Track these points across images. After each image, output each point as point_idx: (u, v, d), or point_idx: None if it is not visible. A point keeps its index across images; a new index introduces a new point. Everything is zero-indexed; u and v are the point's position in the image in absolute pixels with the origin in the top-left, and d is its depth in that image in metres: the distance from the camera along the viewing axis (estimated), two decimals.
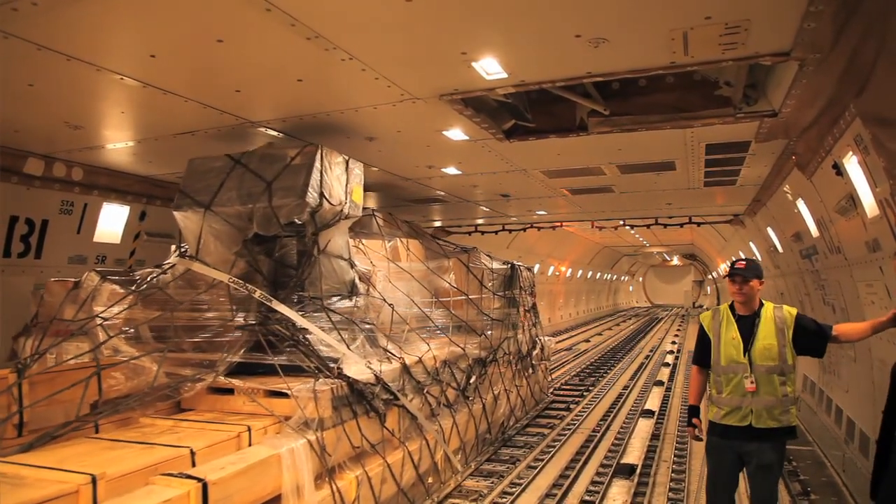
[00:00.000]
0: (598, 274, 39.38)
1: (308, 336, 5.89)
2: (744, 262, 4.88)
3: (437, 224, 15.97)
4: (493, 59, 4.69)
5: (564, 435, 10.11)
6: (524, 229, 16.82)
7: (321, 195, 6.07)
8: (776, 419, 4.66)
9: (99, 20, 3.99)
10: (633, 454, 9.09)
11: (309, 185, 5.95)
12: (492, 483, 7.70)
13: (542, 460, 8.67)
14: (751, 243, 14.76)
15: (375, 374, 6.02)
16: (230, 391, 5.53)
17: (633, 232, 22.27)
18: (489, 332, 9.58)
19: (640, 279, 57.64)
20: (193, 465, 4.36)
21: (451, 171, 8.97)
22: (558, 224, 16.58)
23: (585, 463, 8.66)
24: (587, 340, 25.87)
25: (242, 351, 5.73)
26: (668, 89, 6.13)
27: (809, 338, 4.73)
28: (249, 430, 4.96)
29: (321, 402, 5.24)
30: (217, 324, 5.87)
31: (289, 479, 4.75)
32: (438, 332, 8.62)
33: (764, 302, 4.87)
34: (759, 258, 14.16)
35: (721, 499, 4.93)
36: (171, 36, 4.26)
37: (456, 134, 6.80)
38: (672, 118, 6.22)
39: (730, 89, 5.83)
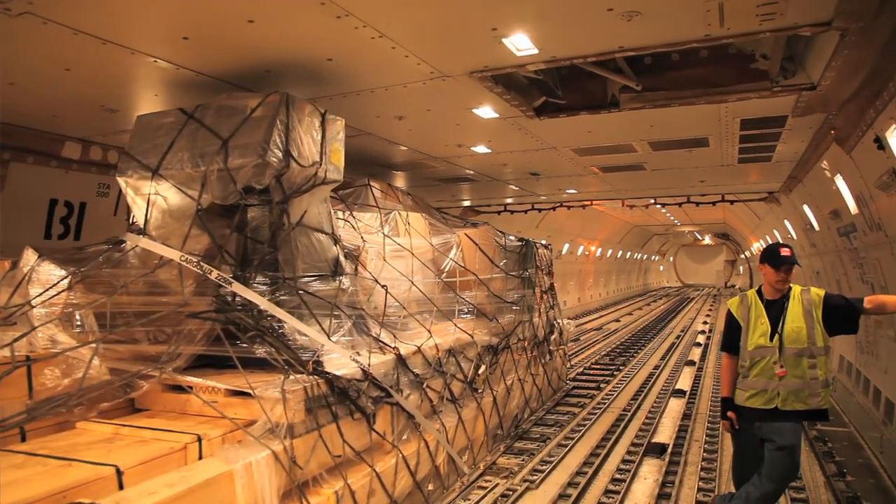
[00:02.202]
0: (629, 253, 39.04)
1: (277, 324, 5.05)
2: (789, 250, 4.82)
3: (466, 203, 15.96)
4: (523, 34, 4.64)
5: (595, 414, 10.10)
6: (554, 208, 16.74)
7: (287, 154, 5.07)
8: (803, 402, 4.62)
9: (133, 3, 4.02)
10: (665, 433, 9.06)
11: (270, 141, 4.98)
12: (522, 461, 7.74)
13: (573, 439, 8.69)
14: (786, 221, 14.49)
15: (362, 368, 5.22)
16: (190, 389, 4.74)
17: (664, 211, 22.02)
18: (502, 317, 8.69)
19: (671, 259, 57.00)
20: (121, 487, 3.59)
21: (481, 149, 8.94)
22: (588, 203, 16.45)
23: (616, 442, 8.66)
24: (617, 320, 25.73)
25: (204, 342, 4.87)
26: (703, 63, 6.02)
27: (840, 315, 4.67)
28: (200, 439, 4.15)
29: (291, 404, 4.40)
30: (176, 310, 5.00)
31: (244, 502, 3.94)
32: (444, 317, 7.57)
33: (791, 286, 4.82)
34: (795, 237, 13.91)
35: (748, 478, 4.91)
36: (204, 17, 4.29)
37: (486, 112, 6.76)
38: (706, 93, 6.12)
39: (766, 62, 5.70)
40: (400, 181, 11.78)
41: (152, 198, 5.34)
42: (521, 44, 4.80)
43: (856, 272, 9.08)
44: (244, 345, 4.82)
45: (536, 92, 6.60)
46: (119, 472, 3.62)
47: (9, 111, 6.17)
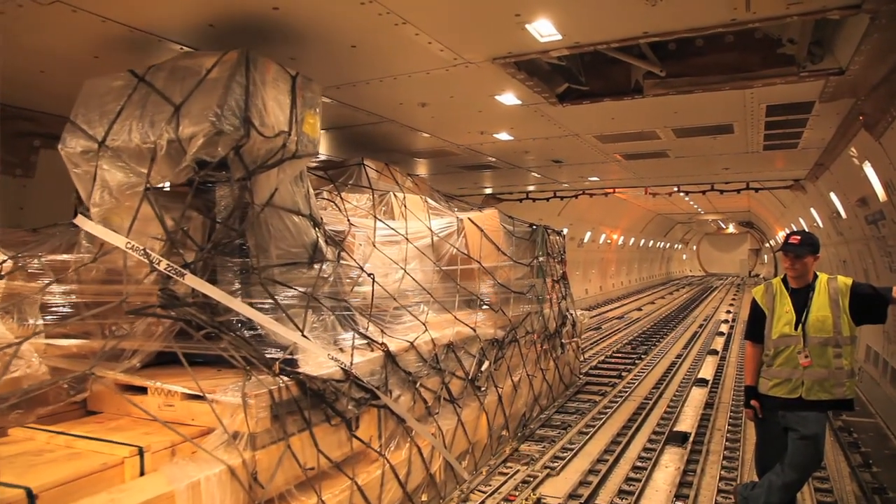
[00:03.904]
0: (651, 242, 38.75)
1: (239, 319, 4.40)
2: (798, 237, 4.73)
3: (488, 191, 15.95)
4: (546, 20, 4.62)
5: (616, 402, 10.09)
6: (576, 196, 16.67)
7: (246, 121, 4.24)
8: (828, 391, 4.59)
9: None
10: (686, 422, 9.03)
11: (224, 106, 4.16)
12: (543, 448, 7.78)
13: (594, 426, 8.70)
14: (812, 209, 14.29)
15: (343, 367, 4.64)
16: (145, 390, 4.13)
17: (687, 199, 21.81)
18: (509, 308, 8.07)
19: (694, 247, 56.47)
20: None
21: (503, 136, 8.92)
22: (610, 191, 16.35)
23: (637, 430, 8.66)
24: (639, 309, 25.61)
25: (164, 337, 4.24)
26: (728, 49, 5.94)
27: (868, 304, 4.61)
28: (141, 452, 3.51)
29: (253, 411, 3.80)
30: (136, 302, 4.27)
31: None
32: (444, 309, 6.84)
33: (818, 274, 4.76)
34: (821, 225, 13.71)
35: (771, 467, 4.89)
36: (229, 4, 4.33)
37: (508, 98, 6.75)
38: (731, 78, 6.04)
39: (793, 47, 5.61)
40: (422, 168, 11.81)
41: (99, 173, 4.54)
42: (544, 30, 4.78)
43: (884, 261, 8.95)
44: (205, 342, 4.23)
45: (559, 78, 6.57)
46: (31, 496, 2.96)
47: (39, 99, 6.28)
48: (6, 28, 4.51)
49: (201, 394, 3.82)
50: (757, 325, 4.94)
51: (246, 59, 4.36)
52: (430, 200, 7.82)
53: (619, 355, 14.69)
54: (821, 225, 13.79)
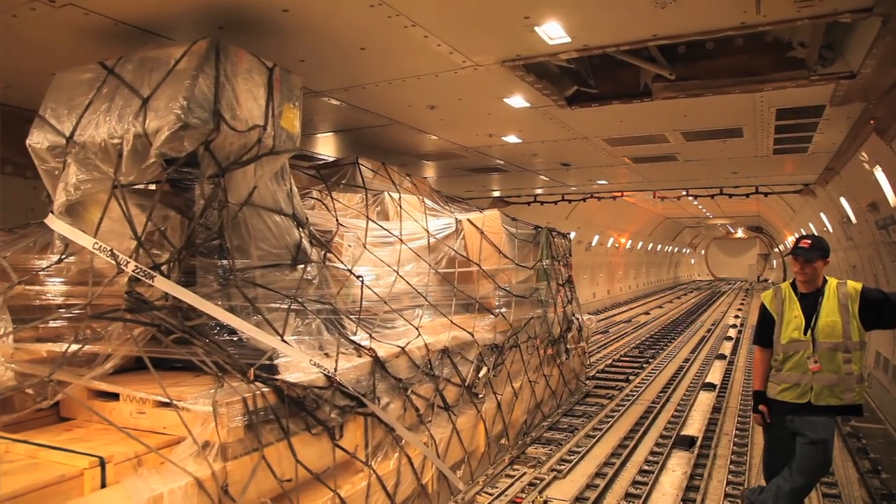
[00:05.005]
0: (659, 246, 38.64)
1: (218, 323, 4.19)
2: (808, 241, 4.69)
3: (496, 194, 15.95)
4: (556, 22, 4.63)
5: (623, 406, 10.06)
6: (584, 199, 16.65)
7: (216, 114, 3.98)
8: (837, 397, 4.55)
9: None
10: (694, 426, 9.00)
11: (191, 98, 3.90)
12: (550, 451, 7.76)
13: (601, 430, 8.68)
14: (822, 214, 14.22)
15: (326, 374, 4.41)
16: (118, 396, 3.95)
17: (696, 203, 21.74)
18: (510, 312, 7.76)
19: (703, 252, 56.28)
20: None
21: (512, 139, 8.93)
22: (619, 194, 16.32)
23: (644, 434, 8.63)
24: (647, 313, 25.52)
25: (137, 341, 3.99)
26: (737, 52, 5.93)
27: (878, 309, 4.56)
28: (103, 463, 3.29)
29: (224, 420, 3.59)
30: (110, 304, 4.03)
31: None
32: (440, 313, 6.59)
33: (827, 279, 4.73)
34: (831, 230, 13.64)
35: (779, 472, 4.87)
36: (238, 7, 4.36)
37: (517, 101, 6.76)
38: (741, 82, 6.03)
39: (804, 50, 5.60)
40: (430, 171, 11.83)
41: (67, 170, 4.32)
42: (553, 32, 4.80)
43: (894, 266, 8.90)
44: (175, 347, 4.03)
45: (568, 81, 6.57)
46: None
47: None
48: (19, 31, 4.56)
49: (175, 401, 3.64)
50: (766, 329, 4.91)
51: (216, 48, 4.11)
52: (427, 201, 7.64)
53: (627, 359, 14.66)
54: (831, 230, 13.72)
